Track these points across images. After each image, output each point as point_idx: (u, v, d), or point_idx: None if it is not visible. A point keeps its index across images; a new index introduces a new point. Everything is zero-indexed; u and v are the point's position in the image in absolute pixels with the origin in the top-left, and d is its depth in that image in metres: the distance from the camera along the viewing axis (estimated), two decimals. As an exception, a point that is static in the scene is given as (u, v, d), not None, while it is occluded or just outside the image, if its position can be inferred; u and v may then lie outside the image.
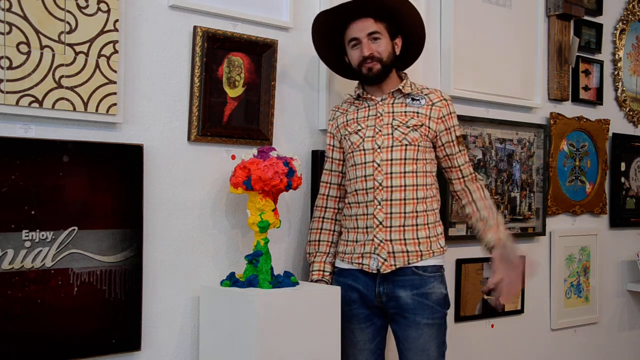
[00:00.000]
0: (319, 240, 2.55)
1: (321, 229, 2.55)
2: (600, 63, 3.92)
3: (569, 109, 3.74)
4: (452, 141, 2.45)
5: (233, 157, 2.49)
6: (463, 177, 2.49)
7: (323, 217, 2.56)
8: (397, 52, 2.44)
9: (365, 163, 2.40)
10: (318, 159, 2.69)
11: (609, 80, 4.01)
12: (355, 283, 2.43)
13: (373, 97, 2.45)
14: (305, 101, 2.71)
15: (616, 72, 4.02)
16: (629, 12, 4.08)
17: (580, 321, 3.77)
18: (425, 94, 2.45)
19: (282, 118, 2.63)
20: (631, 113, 4.12)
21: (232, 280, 2.34)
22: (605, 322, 3.94)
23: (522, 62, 3.43)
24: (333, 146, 2.55)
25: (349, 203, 2.47)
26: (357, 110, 2.48)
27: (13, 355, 2.00)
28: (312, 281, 2.52)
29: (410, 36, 2.48)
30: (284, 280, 2.33)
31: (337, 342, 2.33)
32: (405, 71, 2.54)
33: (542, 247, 3.60)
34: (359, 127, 2.44)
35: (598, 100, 3.90)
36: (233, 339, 2.21)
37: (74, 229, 2.10)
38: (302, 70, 2.69)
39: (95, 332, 2.14)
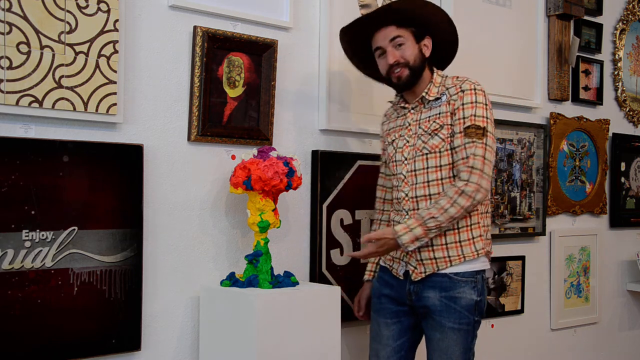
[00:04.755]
0: (381, 220, 2.62)
1: (383, 209, 2.62)
2: (600, 63, 3.92)
3: (569, 109, 3.74)
4: (457, 133, 2.29)
5: (233, 157, 2.49)
6: (457, 173, 2.28)
7: (380, 220, 2.62)
8: (427, 53, 2.38)
9: (396, 174, 2.42)
10: (318, 159, 2.69)
11: (609, 80, 4.01)
12: (391, 279, 2.44)
13: (407, 105, 2.43)
14: (305, 101, 2.71)
15: (616, 72, 4.02)
16: (629, 12, 4.08)
17: (580, 321, 3.77)
18: (448, 88, 2.35)
19: (282, 118, 2.63)
20: (631, 113, 4.12)
21: (232, 280, 2.34)
22: (605, 322, 3.94)
23: (522, 62, 3.43)
24: (385, 150, 2.55)
25: (391, 209, 2.53)
26: (397, 118, 2.49)
27: (13, 355, 2.00)
28: (363, 280, 2.64)
29: (441, 34, 2.42)
30: (284, 280, 2.33)
31: (337, 342, 2.33)
32: (435, 69, 2.43)
33: (542, 247, 3.60)
34: (394, 138, 2.45)
35: (598, 100, 3.90)
36: (233, 339, 2.21)
37: (74, 229, 2.10)
38: (302, 70, 2.69)
39: (95, 332, 2.14)
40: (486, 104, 2.33)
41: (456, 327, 2.32)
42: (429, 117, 2.36)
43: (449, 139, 2.31)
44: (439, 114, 2.34)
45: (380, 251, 2.31)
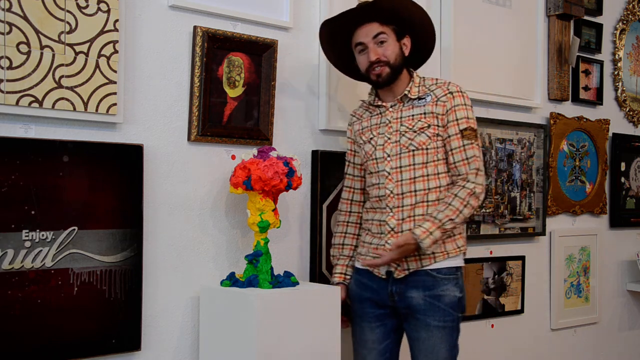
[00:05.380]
0: (343, 244, 2.56)
1: (345, 232, 2.57)
2: (600, 63, 3.92)
3: (569, 109, 3.74)
4: (454, 135, 2.34)
5: (233, 157, 2.49)
6: (459, 175, 2.35)
7: (347, 222, 2.57)
8: (406, 52, 2.41)
9: (378, 172, 2.40)
10: (318, 159, 2.69)
11: (609, 80, 4.01)
12: (370, 282, 2.43)
13: (384, 104, 2.43)
14: (305, 101, 2.71)
15: (616, 72, 4.03)
16: (629, 12, 4.08)
17: (580, 321, 3.77)
18: (432, 90, 2.39)
19: (282, 118, 2.63)
20: (631, 113, 4.12)
21: (232, 280, 2.34)
22: (605, 322, 3.94)
23: (522, 62, 3.43)
24: (354, 151, 2.56)
25: (367, 208, 2.49)
26: (371, 117, 2.48)
27: (13, 355, 2.00)
28: (333, 283, 2.54)
29: (420, 34, 2.45)
30: (284, 280, 2.33)
31: (337, 342, 2.33)
32: (413, 70, 2.47)
33: (542, 247, 3.60)
34: (372, 136, 2.44)
35: (598, 100, 3.90)
36: (233, 339, 2.21)
37: (74, 229, 2.10)
38: (302, 70, 2.69)
39: (95, 332, 2.14)
40: (471, 106, 2.41)
41: (441, 325, 2.34)
42: (412, 115, 2.38)
43: (435, 137, 2.35)
44: (425, 113, 2.37)
45: (401, 256, 2.30)
